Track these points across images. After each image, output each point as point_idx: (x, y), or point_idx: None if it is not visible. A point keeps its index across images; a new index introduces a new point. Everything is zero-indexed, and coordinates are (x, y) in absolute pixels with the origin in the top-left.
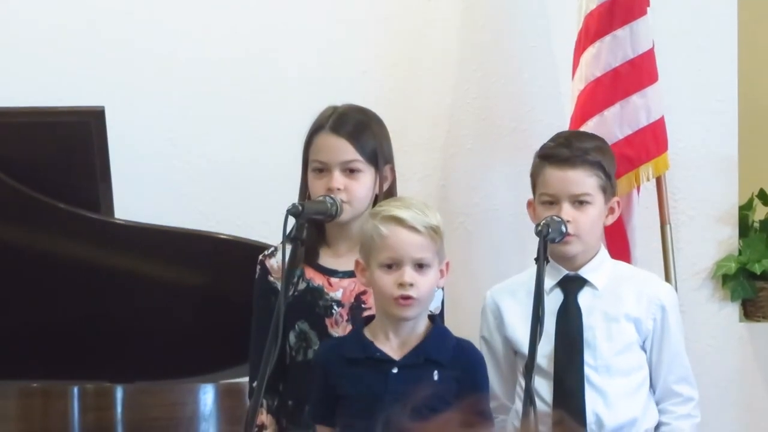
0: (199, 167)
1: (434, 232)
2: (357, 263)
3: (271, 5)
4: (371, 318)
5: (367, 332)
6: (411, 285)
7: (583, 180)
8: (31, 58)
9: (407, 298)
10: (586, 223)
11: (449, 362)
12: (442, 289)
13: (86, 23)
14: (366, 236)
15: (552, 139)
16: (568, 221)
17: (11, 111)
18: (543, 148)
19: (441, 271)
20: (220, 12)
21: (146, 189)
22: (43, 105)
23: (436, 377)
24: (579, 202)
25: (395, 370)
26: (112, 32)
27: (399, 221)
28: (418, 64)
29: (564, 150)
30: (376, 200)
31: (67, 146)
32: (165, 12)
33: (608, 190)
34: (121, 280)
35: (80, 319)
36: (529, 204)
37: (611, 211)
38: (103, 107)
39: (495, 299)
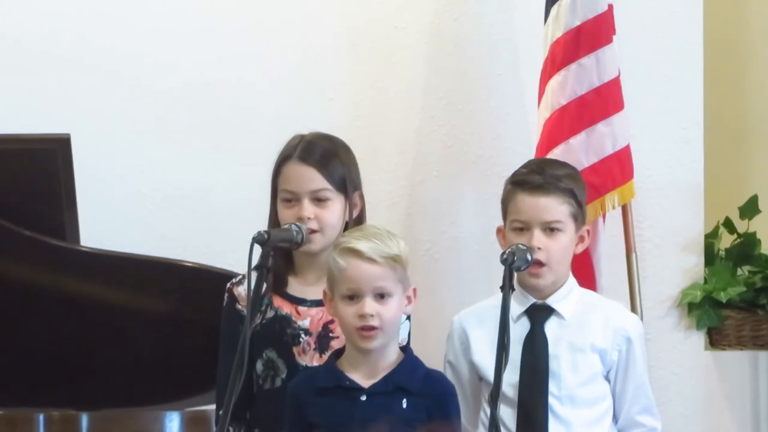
0: (165, 194)
1: (394, 261)
2: (324, 294)
3: (239, 33)
4: (344, 349)
5: (339, 363)
6: (372, 315)
7: (555, 207)
8: None
9: (370, 329)
10: (557, 250)
11: (419, 391)
12: (409, 320)
13: (52, 50)
14: (329, 268)
15: (524, 166)
16: (538, 248)
17: None
18: (515, 174)
19: (408, 298)
20: (187, 39)
21: (112, 216)
22: (9, 132)
23: (404, 405)
24: (550, 229)
25: (363, 398)
26: (78, 59)
27: (356, 253)
28: (385, 91)
29: (536, 177)
30: (346, 227)
31: (33, 173)
32: (131, 40)
33: (579, 218)
34: (87, 308)
35: (45, 346)
36: (499, 231)
37: (581, 239)
38: (68, 135)
39: (462, 324)
